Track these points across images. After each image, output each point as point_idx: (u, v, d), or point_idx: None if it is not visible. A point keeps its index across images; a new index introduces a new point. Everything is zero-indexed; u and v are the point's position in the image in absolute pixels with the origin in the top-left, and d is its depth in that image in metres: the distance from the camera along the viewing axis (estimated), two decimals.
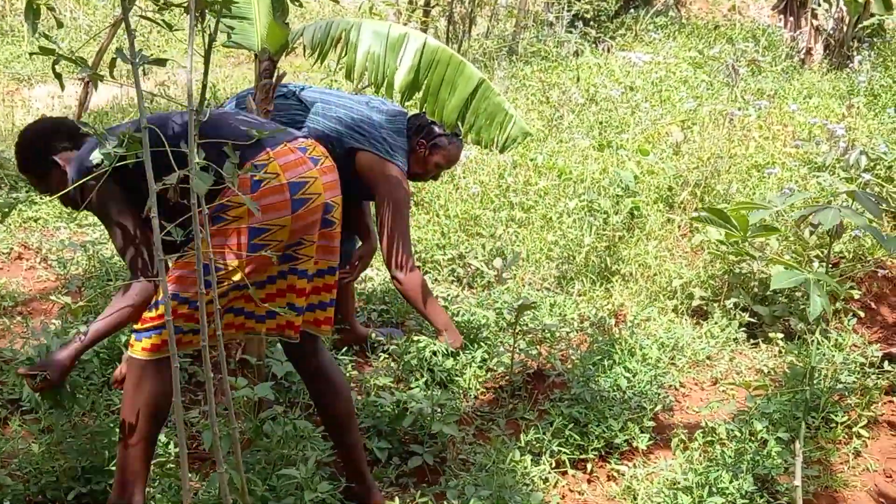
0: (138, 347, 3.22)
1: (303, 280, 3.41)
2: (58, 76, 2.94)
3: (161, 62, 2.75)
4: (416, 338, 4.67)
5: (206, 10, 2.63)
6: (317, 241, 3.40)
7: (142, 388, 3.23)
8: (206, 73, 2.96)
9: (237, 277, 3.21)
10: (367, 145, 4.48)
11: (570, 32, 11.86)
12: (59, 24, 2.89)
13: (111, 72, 2.84)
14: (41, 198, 6.32)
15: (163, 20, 2.62)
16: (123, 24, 2.66)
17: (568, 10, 12.28)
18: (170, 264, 3.22)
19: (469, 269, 5.99)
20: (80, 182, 3.15)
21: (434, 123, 4.58)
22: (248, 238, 3.19)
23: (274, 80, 4.08)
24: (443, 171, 4.86)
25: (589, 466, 3.96)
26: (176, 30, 2.69)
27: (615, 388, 4.33)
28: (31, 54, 4.00)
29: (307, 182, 3.28)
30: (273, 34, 3.93)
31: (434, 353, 4.52)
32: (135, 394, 3.24)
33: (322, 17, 12.37)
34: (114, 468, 3.46)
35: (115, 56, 2.66)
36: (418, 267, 4.87)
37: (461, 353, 4.58)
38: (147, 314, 3.22)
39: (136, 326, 3.24)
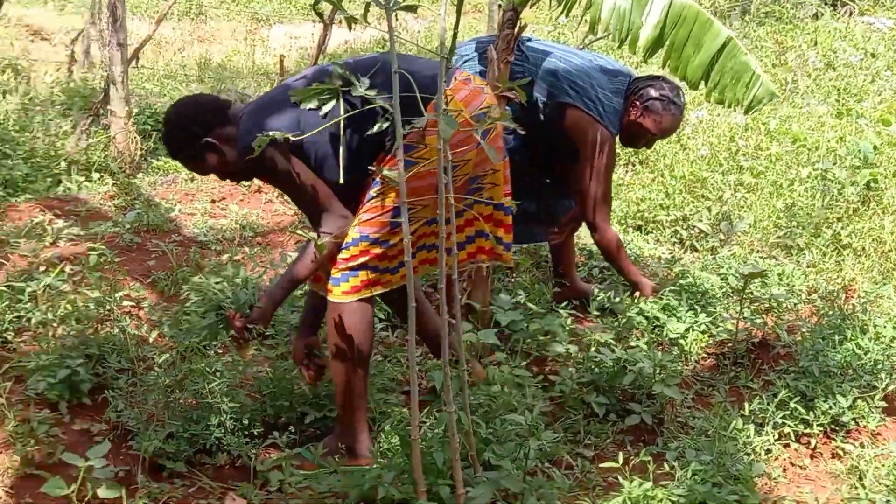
0: (338, 291, 3.33)
1: (489, 207, 3.52)
2: (319, 14, 3.04)
3: (413, 8, 2.80)
4: (638, 296, 4.66)
5: None
6: (502, 171, 3.50)
7: (346, 328, 3.34)
8: (457, 22, 3.01)
9: (428, 214, 3.28)
10: (580, 102, 4.43)
11: None
12: None
13: (365, 17, 2.91)
14: None
15: None
16: None
17: None
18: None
19: (693, 232, 5.90)
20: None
21: (652, 86, 4.48)
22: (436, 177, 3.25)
23: (516, 30, 4.10)
24: (655, 141, 4.69)
25: (813, 442, 3.85)
26: None
27: (845, 364, 4.18)
28: None
29: (485, 114, 3.33)
30: None
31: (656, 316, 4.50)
32: (340, 335, 3.35)
33: None
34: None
35: (369, 0, 2.73)
36: None
37: (683, 317, 4.53)
38: (340, 257, 3.32)
39: (332, 272, 3.34)
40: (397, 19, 10.85)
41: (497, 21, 4.21)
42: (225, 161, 3.40)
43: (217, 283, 4.27)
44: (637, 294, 4.66)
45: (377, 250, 3.31)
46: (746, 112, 4.01)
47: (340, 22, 2.89)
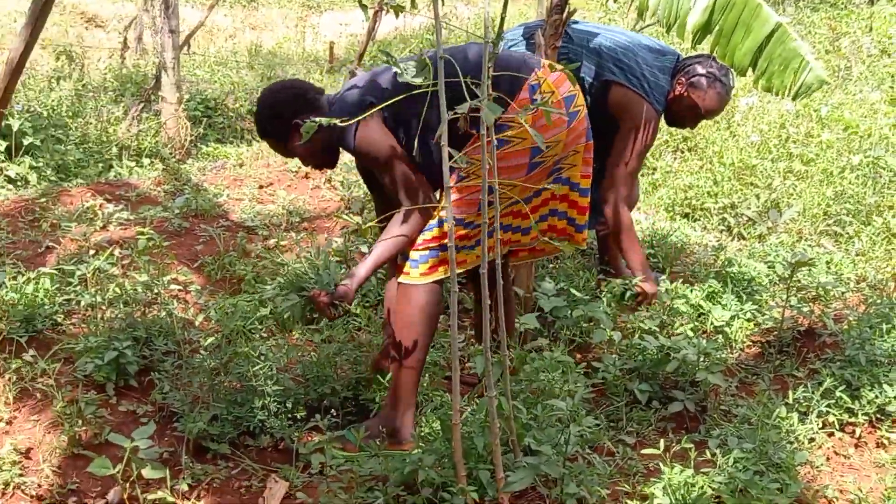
0: (416, 273, 3.36)
1: (566, 187, 3.59)
2: (363, 7, 3.05)
3: None
4: (683, 284, 4.63)
5: None
6: (582, 152, 3.55)
7: (416, 310, 3.38)
8: (505, 6, 3.01)
9: (515, 194, 3.32)
10: (624, 79, 4.38)
11: None
12: None
13: (413, 3, 2.93)
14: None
15: None
16: None
17: None
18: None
19: (741, 220, 5.85)
20: (354, 121, 3.20)
21: (700, 63, 4.42)
22: (529, 158, 3.31)
23: (564, 15, 4.09)
24: (700, 120, 4.61)
25: (857, 431, 3.81)
26: None
27: (892, 353, 4.13)
28: None
29: (575, 95, 3.44)
30: None
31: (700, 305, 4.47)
32: (407, 316, 3.39)
33: None
34: (384, 381, 3.64)
35: None
36: None
37: (728, 304, 4.48)
38: (421, 238, 3.35)
39: (411, 254, 3.37)
40: (443, 4, 10.85)
41: (546, 6, 4.19)
42: (312, 142, 3.41)
43: (297, 264, 4.31)
44: (639, 295, 4.48)
45: (461, 231, 3.36)
46: (794, 99, 3.96)
47: (388, 10, 2.89)
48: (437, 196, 3.41)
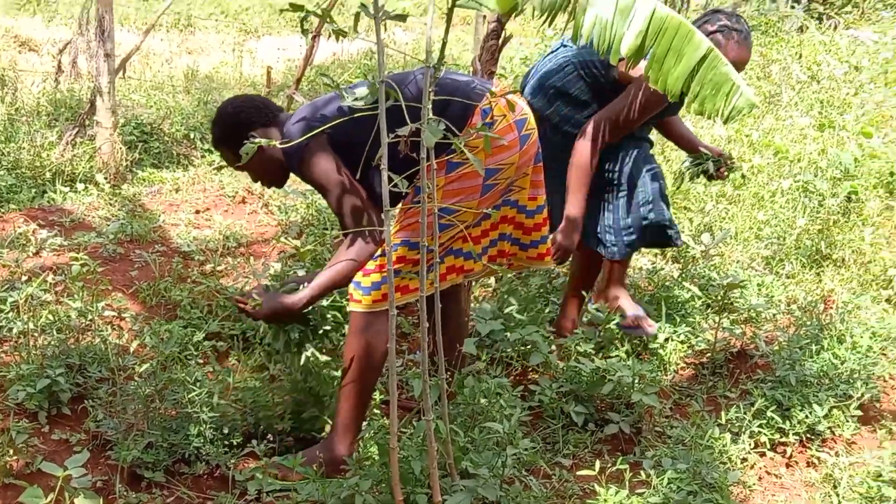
0: (368, 300, 3.36)
1: (514, 210, 3.64)
2: (304, 32, 3.06)
3: (402, 17, 2.83)
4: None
5: None
6: (530, 175, 3.61)
7: (365, 338, 3.38)
8: (447, 31, 3.04)
9: (468, 219, 3.35)
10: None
11: (794, 7, 11.49)
12: None
13: (355, 27, 2.94)
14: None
15: None
16: None
17: None
18: (393, 215, 3.35)
19: None
20: (301, 140, 3.25)
21: (707, 21, 4.20)
22: (483, 180, 3.34)
23: (500, 41, 4.14)
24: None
25: (788, 451, 3.88)
26: None
27: (821, 373, 4.22)
28: (280, 11, 4.14)
29: (527, 118, 3.50)
30: None
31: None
32: (358, 344, 3.39)
33: None
34: (324, 407, 3.64)
35: (359, 11, 2.76)
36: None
37: (663, 327, 4.53)
38: (371, 265, 3.35)
39: (361, 280, 3.37)
40: (385, 30, 10.87)
41: (482, 34, 4.24)
42: (263, 159, 3.47)
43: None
44: (555, 237, 4.21)
45: (414, 255, 3.36)
46: (725, 122, 4.00)
47: (329, 35, 2.90)
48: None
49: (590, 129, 4.22)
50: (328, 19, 2.76)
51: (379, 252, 3.34)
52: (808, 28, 10.58)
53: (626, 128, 4.28)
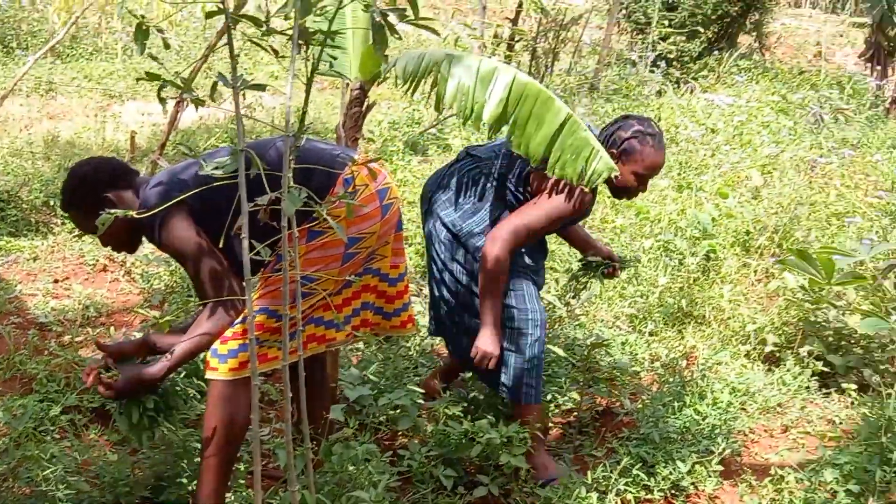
0: (224, 369, 3.30)
1: (375, 278, 3.66)
2: (162, 101, 3.02)
3: (261, 87, 2.83)
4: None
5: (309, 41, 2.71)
6: (391, 243, 3.66)
7: (225, 407, 3.32)
8: (306, 100, 3.04)
9: (330, 287, 3.34)
10: (540, 165, 4.00)
11: (653, 72, 11.88)
12: (167, 46, 2.97)
13: (212, 95, 2.92)
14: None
15: (270, 46, 2.70)
16: (223, 48, 2.74)
17: (652, 50, 12.29)
18: (254, 283, 3.31)
19: None
20: (154, 211, 3.16)
21: (620, 128, 4.12)
22: (344, 248, 3.34)
23: (363, 108, 4.17)
24: (647, 180, 4.18)
25: None
26: (281, 57, 2.76)
27: (684, 429, 4.31)
28: (137, 80, 4.07)
29: (389, 187, 3.53)
30: (366, 63, 4.03)
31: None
32: (217, 414, 3.32)
33: (406, 48, 12.51)
34: (186, 480, 3.55)
35: (216, 80, 2.74)
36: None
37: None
38: (229, 333, 3.30)
39: (218, 347, 3.31)
40: (244, 98, 10.78)
41: (346, 100, 4.26)
42: (113, 224, 3.34)
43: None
44: (476, 346, 4.11)
45: (273, 324, 3.31)
46: (587, 186, 4.05)
47: (189, 102, 2.87)
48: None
49: (500, 234, 4.03)
50: (186, 89, 2.73)
51: (238, 320, 3.30)
52: (665, 92, 10.95)
53: (536, 236, 4.19)
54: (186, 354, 3.31)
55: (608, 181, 4.09)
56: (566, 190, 4.02)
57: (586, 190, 4.00)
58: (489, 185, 4.22)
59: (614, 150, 4.08)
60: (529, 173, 4.15)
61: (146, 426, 3.41)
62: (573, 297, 5.51)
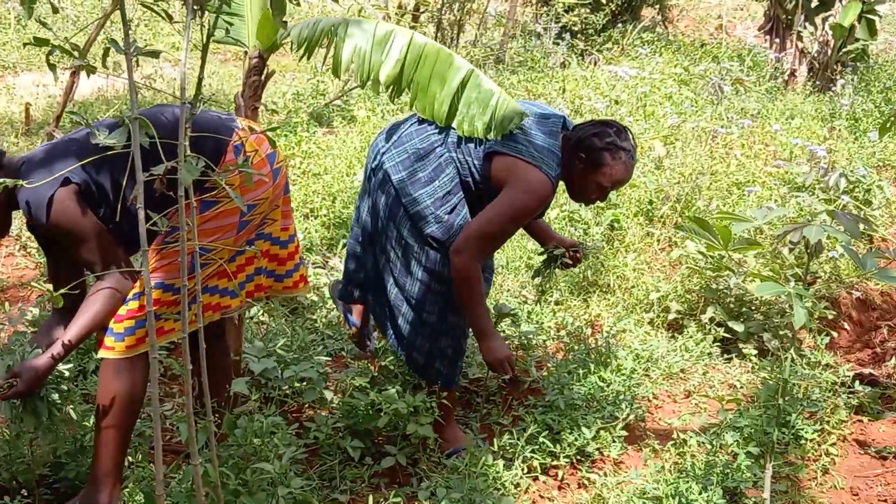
0: (121, 347, 3.23)
1: (267, 243, 3.63)
2: (51, 67, 2.92)
3: (155, 53, 2.75)
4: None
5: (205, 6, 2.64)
6: (281, 206, 3.62)
7: (119, 383, 3.25)
8: (202, 68, 2.97)
9: (225, 256, 3.30)
10: (505, 148, 3.90)
11: (558, 44, 11.93)
12: (55, 10, 2.86)
13: (104, 62, 2.84)
14: None
15: (164, 11, 2.62)
16: (117, 15, 2.67)
17: (556, 22, 12.33)
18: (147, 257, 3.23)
19: None
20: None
21: (596, 135, 3.94)
22: (239, 216, 3.30)
23: (263, 77, 4.10)
24: (608, 193, 4.08)
25: (560, 473, 3.98)
26: (175, 22, 2.69)
27: (589, 396, 4.36)
28: (24, 44, 3.93)
29: (276, 152, 3.47)
30: (263, 31, 3.95)
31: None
32: (114, 389, 3.25)
33: (309, 17, 12.34)
34: (86, 456, 3.47)
35: (108, 46, 2.66)
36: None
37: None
38: (123, 311, 3.22)
39: (114, 326, 3.23)
40: (138, 65, 10.51)
41: (245, 68, 4.18)
42: None
43: None
44: (487, 361, 4.02)
45: (169, 297, 3.25)
46: (497, 134, 3.94)
47: (80, 70, 2.78)
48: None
49: (466, 245, 3.87)
50: (76, 54, 2.64)
51: (130, 297, 3.22)
52: (570, 64, 11.00)
53: (502, 241, 4.13)
54: (81, 335, 3.21)
55: (567, 183, 4.06)
56: (525, 188, 3.87)
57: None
58: (445, 153, 4.00)
59: (583, 155, 3.94)
60: (491, 153, 3.93)
61: (32, 411, 3.30)
62: (540, 292, 5.51)
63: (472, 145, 3.95)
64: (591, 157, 3.92)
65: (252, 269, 3.62)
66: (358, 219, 4.24)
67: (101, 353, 3.27)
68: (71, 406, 3.43)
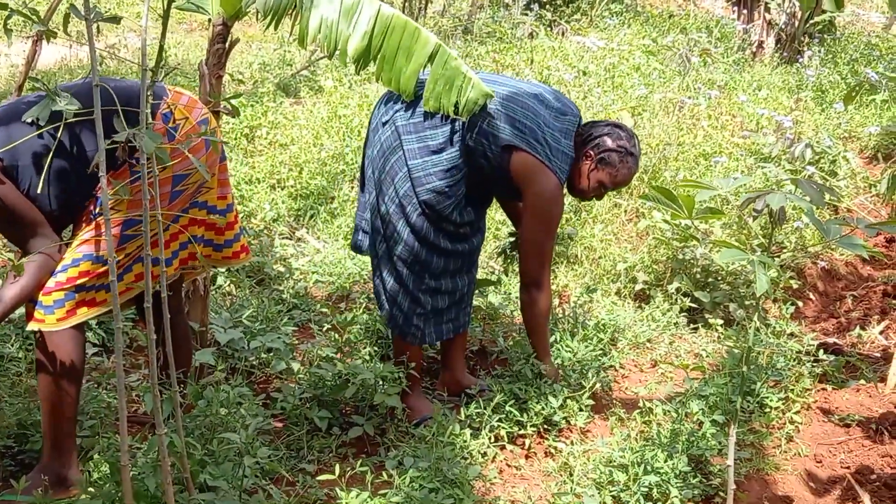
0: (52, 319, 3.19)
1: (203, 211, 3.56)
2: (7, 31, 2.89)
3: (115, 19, 2.72)
4: (360, 311, 4.70)
5: None
6: (217, 174, 3.56)
7: (59, 356, 3.22)
8: (163, 35, 2.94)
9: (156, 226, 3.24)
10: (525, 145, 3.94)
11: (526, 14, 11.88)
12: None
13: (65, 28, 2.81)
14: None
15: None
16: None
17: None
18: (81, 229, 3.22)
19: None
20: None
21: (609, 135, 4.05)
22: (171, 186, 3.26)
23: (227, 45, 4.06)
24: (607, 193, 4.25)
25: (527, 442, 4.00)
26: None
27: (556, 365, 4.37)
28: None
29: (208, 118, 3.44)
30: None
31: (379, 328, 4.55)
32: (48, 362, 3.23)
33: None
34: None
35: (68, 11, 2.63)
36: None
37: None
38: (52, 283, 3.19)
39: (43, 300, 3.20)
40: (99, 33, 10.41)
41: (209, 36, 4.13)
42: None
43: None
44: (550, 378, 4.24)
45: (99, 268, 3.20)
46: (463, 114, 3.95)
47: (39, 37, 2.74)
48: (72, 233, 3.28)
49: (538, 276, 4.12)
50: (34, 19, 2.61)
51: (59, 269, 3.19)
52: (538, 34, 10.96)
53: (552, 252, 4.28)
54: (9, 307, 3.15)
55: (569, 181, 4.13)
56: (551, 199, 4.01)
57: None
58: (458, 130, 4.00)
59: (593, 153, 4.05)
60: (510, 146, 3.96)
61: None
62: (503, 272, 5.50)
63: (486, 128, 3.96)
64: (601, 155, 4.05)
65: (186, 237, 3.55)
66: (363, 167, 4.29)
67: (31, 326, 3.24)
68: (33, 376, 3.41)
